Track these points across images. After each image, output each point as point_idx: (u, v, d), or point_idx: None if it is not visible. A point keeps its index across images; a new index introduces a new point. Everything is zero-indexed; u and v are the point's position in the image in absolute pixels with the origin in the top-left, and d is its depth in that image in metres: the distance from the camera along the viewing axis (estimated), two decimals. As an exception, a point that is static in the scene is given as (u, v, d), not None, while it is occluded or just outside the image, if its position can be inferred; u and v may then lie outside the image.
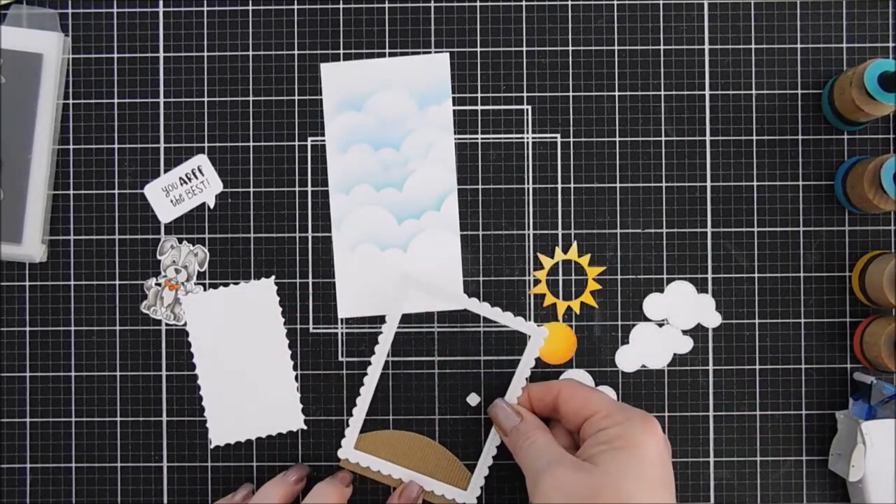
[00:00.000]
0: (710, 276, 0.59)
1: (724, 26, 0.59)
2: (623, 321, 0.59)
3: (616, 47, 0.59)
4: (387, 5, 0.59)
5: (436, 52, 0.59)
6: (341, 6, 0.59)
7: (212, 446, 0.59)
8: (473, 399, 0.59)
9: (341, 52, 0.59)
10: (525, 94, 0.59)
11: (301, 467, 0.57)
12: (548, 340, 0.58)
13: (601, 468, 0.48)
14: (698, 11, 0.59)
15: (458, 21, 0.59)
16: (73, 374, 0.59)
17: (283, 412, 0.58)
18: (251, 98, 0.59)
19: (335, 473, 0.57)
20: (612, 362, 0.58)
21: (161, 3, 0.59)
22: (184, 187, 0.59)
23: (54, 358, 0.59)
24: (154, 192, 0.59)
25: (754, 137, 0.59)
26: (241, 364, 0.58)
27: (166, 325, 0.59)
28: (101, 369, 0.59)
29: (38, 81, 0.58)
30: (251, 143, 0.59)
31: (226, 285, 0.59)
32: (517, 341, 0.59)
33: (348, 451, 0.58)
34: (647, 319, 0.59)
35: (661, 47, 0.59)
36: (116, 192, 0.59)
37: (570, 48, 0.59)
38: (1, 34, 0.58)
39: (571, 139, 0.59)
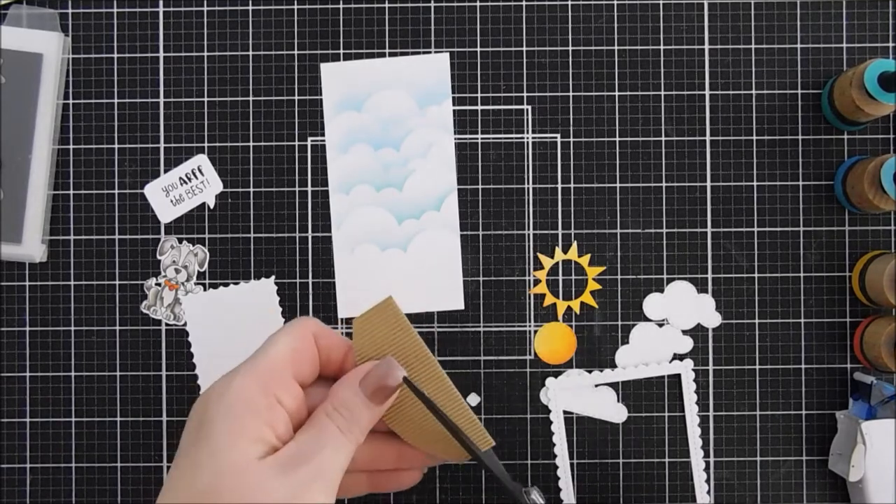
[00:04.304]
0: (710, 276, 0.59)
1: (724, 26, 0.59)
2: (623, 321, 0.59)
3: (616, 47, 0.59)
4: (387, 5, 0.59)
5: (436, 52, 0.59)
6: (341, 6, 0.59)
7: (212, 446, 0.58)
8: (473, 399, 0.59)
9: (341, 52, 0.59)
10: (525, 94, 0.59)
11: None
12: (548, 340, 0.58)
13: None
14: (698, 11, 0.59)
15: (458, 21, 0.59)
16: (73, 374, 0.59)
17: (283, 412, 0.58)
18: (251, 98, 0.59)
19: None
20: (613, 362, 0.58)
21: (161, 3, 0.59)
22: (184, 187, 0.59)
23: (54, 358, 0.59)
24: (154, 192, 0.59)
25: (754, 137, 0.59)
26: (241, 364, 0.58)
27: (166, 325, 0.59)
28: (101, 369, 0.59)
29: (38, 81, 0.58)
30: (251, 143, 0.59)
31: (226, 285, 0.59)
32: (517, 341, 0.59)
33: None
34: (647, 319, 0.59)
35: (661, 47, 0.59)
36: (116, 192, 0.59)
37: (570, 48, 0.59)
38: (1, 34, 0.58)
39: (571, 139, 0.59)
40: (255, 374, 0.40)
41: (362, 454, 0.44)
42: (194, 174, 0.59)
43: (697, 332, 0.59)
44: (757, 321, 0.59)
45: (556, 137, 0.59)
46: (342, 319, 0.59)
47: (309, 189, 0.59)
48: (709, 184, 0.59)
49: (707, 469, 0.58)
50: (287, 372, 0.41)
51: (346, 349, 0.45)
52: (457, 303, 0.59)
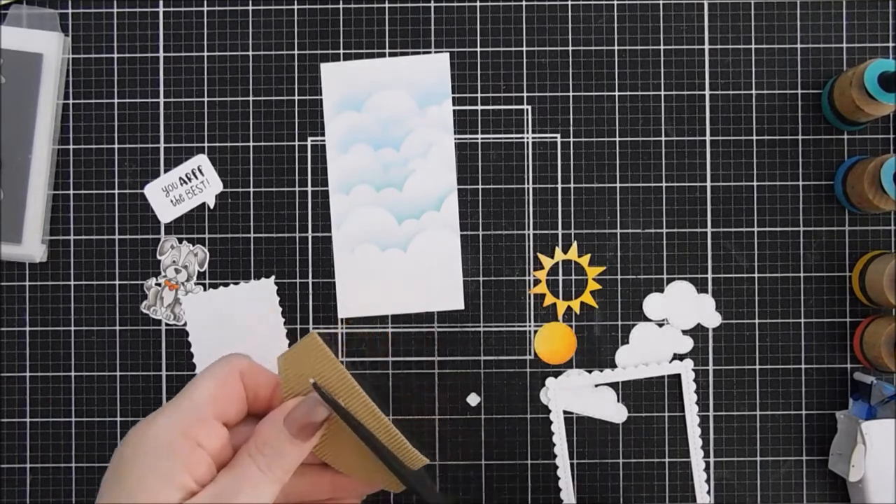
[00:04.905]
0: (710, 276, 0.59)
1: (724, 26, 0.59)
2: (623, 321, 0.59)
3: (616, 47, 0.59)
4: (387, 5, 0.59)
5: (436, 52, 0.59)
6: (341, 6, 0.59)
7: (212, 446, 0.58)
8: (473, 399, 0.59)
9: (341, 52, 0.59)
10: (525, 94, 0.59)
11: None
12: (548, 340, 0.58)
13: None
14: (698, 11, 0.59)
15: (458, 21, 0.59)
16: (73, 374, 0.59)
17: (283, 412, 0.58)
18: (251, 98, 0.59)
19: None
20: (613, 362, 0.58)
21: (161, 3, 0.59)
22: (184, 187, 0.59)
23: (54, 358, 0.59)
24: (154, 192, 0.59)
25: (754, 137, 0.59)
26: (241, 364, 0.58)
27: (166, 325, 0.59)
28: (101, 369, 0.59)
29: (38, 81, 0.58)
30: (251, 143, 0.59)
31: (226, 285, 0.59)
32: (517, 341, 0.59)
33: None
34: (647, 319, 0.59)
35: (661, 47, 0.59)
36: (116, 192, 0.59)
37: (570, 48, 0.59)
38: (1, 34, 0.58)
39: (571, 139, 0.59)
40: (175, 417, 0.40)
41: (295, 487, 0.43)
42: (194, 174, 0.59)
43: (697, 332, 0.59)
44: (757, 321, 0.59)
45: (556, 137, 0.59)
46: (342, 319, 0.59)
47: (309, 189, 0.59)
48: (709, 184, 0.59)
49: (707, 469, 0.58)
50: (209, 413, 0.41)
51: (273, 385, 0.44)
52: (457, 303, 0.59)
